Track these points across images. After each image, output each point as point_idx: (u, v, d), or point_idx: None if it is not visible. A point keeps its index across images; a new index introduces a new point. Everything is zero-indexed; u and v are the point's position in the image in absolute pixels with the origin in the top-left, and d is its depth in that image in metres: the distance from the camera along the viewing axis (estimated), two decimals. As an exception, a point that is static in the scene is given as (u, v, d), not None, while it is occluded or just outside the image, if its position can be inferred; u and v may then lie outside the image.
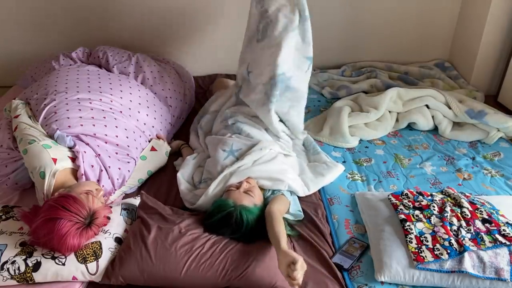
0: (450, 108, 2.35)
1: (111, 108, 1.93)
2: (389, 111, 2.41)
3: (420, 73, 2.96)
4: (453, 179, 1.97)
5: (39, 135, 1.69)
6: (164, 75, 2.40)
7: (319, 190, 1.91)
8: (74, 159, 1.67)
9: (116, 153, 1.81)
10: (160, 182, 1.95)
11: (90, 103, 1.89)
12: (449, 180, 1.96)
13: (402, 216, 1.59)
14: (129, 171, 1.82)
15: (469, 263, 1.41)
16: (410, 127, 2.43)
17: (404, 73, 2.97)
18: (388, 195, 1.74)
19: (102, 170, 1.71)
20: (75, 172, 1.65)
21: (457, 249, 1.44)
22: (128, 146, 1.86)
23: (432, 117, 2.37)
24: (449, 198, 1.71)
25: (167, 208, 1.63)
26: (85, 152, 1.68)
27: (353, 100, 2.55)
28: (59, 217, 1.34)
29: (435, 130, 2.39)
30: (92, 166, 1.69)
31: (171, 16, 2.87)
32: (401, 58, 3.13)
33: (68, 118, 1.77)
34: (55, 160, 1.58)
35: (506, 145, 2.23)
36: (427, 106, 2.38)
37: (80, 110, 1.83)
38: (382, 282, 1.45)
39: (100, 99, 1.93)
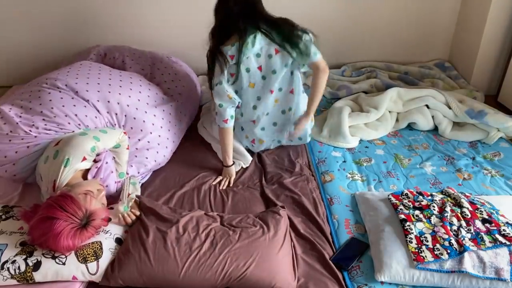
0: (450, 108, 2.35)
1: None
2: (389, 111, 2.41)
3: (420, 73, 2.96)
4: (453, 179, 1.97)
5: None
6: (177, 77, 2.38)
7: (319, 190, 1.92)
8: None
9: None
10: (162, 181, 1.96)
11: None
12: (449, 180, 1.96)
13: (402, 216, 1.60)
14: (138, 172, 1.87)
15: (469, 263, 1.41)
16: (410, 127, 2.43)
17: (404, 73, 2.98)
18: (388, 195, 1.74)
19: (112, 172, 1.72)
20: (86, 171, 1.66)
21: (457, 249, 1.44)
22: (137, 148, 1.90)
23: (432, 117, 2.37)
24: (449, 198, 1.71)
25: (165, 207, 1.63)
26: (106, 163, 1.70)
27: (353, 100, 2.56)
28: (55, 216, 1.35)
29: (435, 130, 2.39)
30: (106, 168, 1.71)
31: (172, 15, 2.88)
32: (401, 58, 3.13)
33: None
34: (84, 159, 1.60)
35: (506, 145, 2.23)
36: (427, 106, 2.38)
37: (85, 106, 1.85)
38: (382, 282, 1.45)
39: (108, 101, 1.92)
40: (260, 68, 1.90)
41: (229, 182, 1.97)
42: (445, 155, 2.15)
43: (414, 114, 2.37)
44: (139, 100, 2.01)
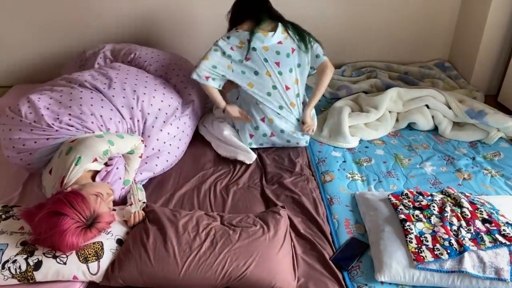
0: (450, 108, 2.35)
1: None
2: (389, 111, 2.41)
3: (420, 73, 2.96)
4: (453, 179, 1.97)
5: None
6: (191, 81, 2.38)
7: (319, 190, 1.92)
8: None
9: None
10: (162, 181, 1.96)
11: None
12: (449, 180, 1.96)
13: (402, 216, 1.60)
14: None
15: (469, 263, 1.41)
16: (410, 127, 2.43)
17: (404, 73, 2.98)
18: (388, 195, 1.75)
19: (120, 178, 1.72)
20: (96, 172, 1.66)
21: (457, 249, 1.45)
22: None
23: (432, 117, 2.37)
24: (449, 198, 1.71)
25: (166, 209, 1.63)
26: (117, 168, 1.71)
27: (353, 100, 2.56)
28: (63, 212, 1.36)
29: (435, 130, 2.39)
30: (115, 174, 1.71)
31: (174, 12, 2.88)
32: (401, 58, 3.13)
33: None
34: (95, 160, 1.61)
35: (506, 145, 2.23)
36: (427, 106, 2.39)
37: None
38: (382, 282, 1.45)
39: (132, 108, 1.94)
40: (278, 63, 2.04)
41: (244, 118, 2.14)
42: (445, 155, 2.16)
43: (414, 114, 2.37)
44: (159, 109, 2.02)
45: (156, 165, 1.94)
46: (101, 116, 1.81)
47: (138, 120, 1.94)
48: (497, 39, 2.72)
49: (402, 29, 3.03)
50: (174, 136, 2.04)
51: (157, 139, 1.97)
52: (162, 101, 2.05)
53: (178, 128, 2.07)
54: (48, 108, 1.76)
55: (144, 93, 2.00)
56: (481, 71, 2.83)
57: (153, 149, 1.95)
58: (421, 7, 2.95)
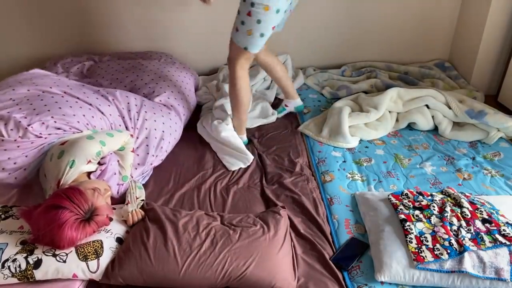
0: (450, 108, 2.35)
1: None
2: (389, 111, 2.41)
3: (420, 73, 2.96)
4: (453, 179, 1.97)
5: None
6: (164, 83, 2.40)
7: (319, 190, 1.92)
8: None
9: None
10: (162, 181, 1.96)
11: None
12: (449, 180, 1.96)
13: (402, 216, 1.60)
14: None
15: (469, 263, 1.41)
16: (410, 127, 2.43)
17: (404, 73, 2.98)
18: (388, 195, 1.75)
19: (115, 174, 1.72)
20: (90, 172, 1.67)
21: (457, 249, 1.45)
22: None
23: (432, 117, 2.37)
24: (449, 198, 1.71)
25: (166, 209, 1.64)
26: (111, 165, 1.70)
27: (353, 100, 2.56)
28: (61, 205, 1.37)
29: (435, 130, 2.39)
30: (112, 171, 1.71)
31: (173, 14, 2.88)
32: (401, 58, 3.13)
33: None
34: (89, 162, 1.61)
35: (506, 145, 2.23)
36: (427, 106, 2.39)
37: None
38: (382, 282, 1.45)
39: (109, 105, 1.96)
40: None
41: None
42: (445, 155, 2.16)
43: (414, 114, 2.37)
44: (128, 103, 2.03)
45: (148, 153, 1.93)
46: (83, 115, 1.79)
47: (118, 115, 1.95)
48: (497, 39, 2.72)
49: (402, 29, 3.03)
50: (155, 121, 2.02)
51: (137, 128, 1.97)
52: (127, 96, 2.06)
53: (155, 113, 2.05)
54: (26, 117, 1.65)
55: (108, 93, 2.02)
56: (481, 71, 2.83)
57: (137, 138, 1.95)
58: (421, 7, 2.95)
